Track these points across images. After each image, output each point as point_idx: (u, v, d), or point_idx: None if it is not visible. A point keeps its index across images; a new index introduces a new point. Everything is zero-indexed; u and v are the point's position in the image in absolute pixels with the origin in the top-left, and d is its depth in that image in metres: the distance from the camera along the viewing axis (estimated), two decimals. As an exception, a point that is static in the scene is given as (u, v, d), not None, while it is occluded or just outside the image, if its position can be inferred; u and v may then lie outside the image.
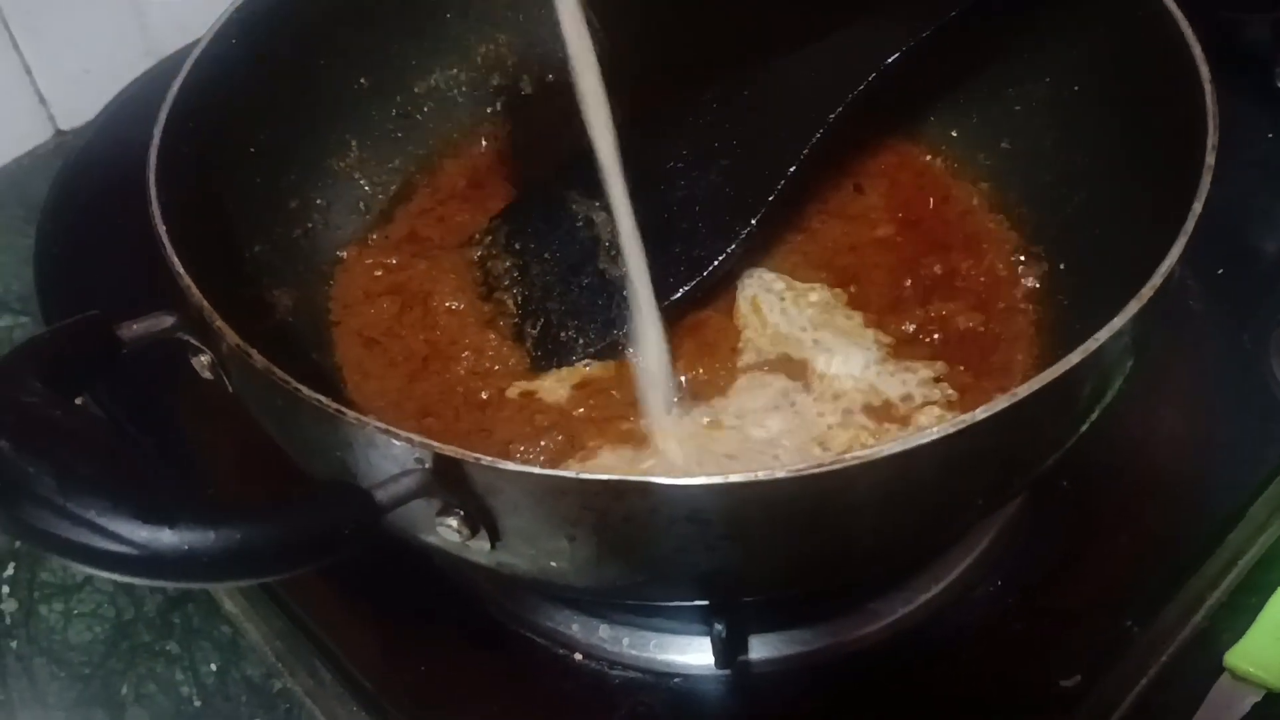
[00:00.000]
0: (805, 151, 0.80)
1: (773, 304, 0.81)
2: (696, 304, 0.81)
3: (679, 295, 0.80)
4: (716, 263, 0.80)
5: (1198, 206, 0.60)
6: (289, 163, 0.83)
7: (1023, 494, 0.78)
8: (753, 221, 0.80)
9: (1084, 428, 0.62)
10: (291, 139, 0.83)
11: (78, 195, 0.97)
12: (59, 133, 1.10)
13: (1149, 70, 0.72)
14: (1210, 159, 0.62)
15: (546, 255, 0.83)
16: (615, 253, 0.78)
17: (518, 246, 0.84)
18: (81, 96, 1.07)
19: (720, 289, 0.82)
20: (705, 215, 0.81)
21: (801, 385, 0.77)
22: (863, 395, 0.76)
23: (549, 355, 0.80)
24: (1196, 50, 0.67)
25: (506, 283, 0.83)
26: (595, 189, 0.74)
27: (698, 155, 0.83)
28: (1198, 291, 0.87)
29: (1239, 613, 0.78)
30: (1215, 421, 0.83)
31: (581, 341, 0.79)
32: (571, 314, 0.81)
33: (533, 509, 0.55)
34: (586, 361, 0.79)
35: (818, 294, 0.82)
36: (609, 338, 0.79)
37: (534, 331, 0.80)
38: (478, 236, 0.87)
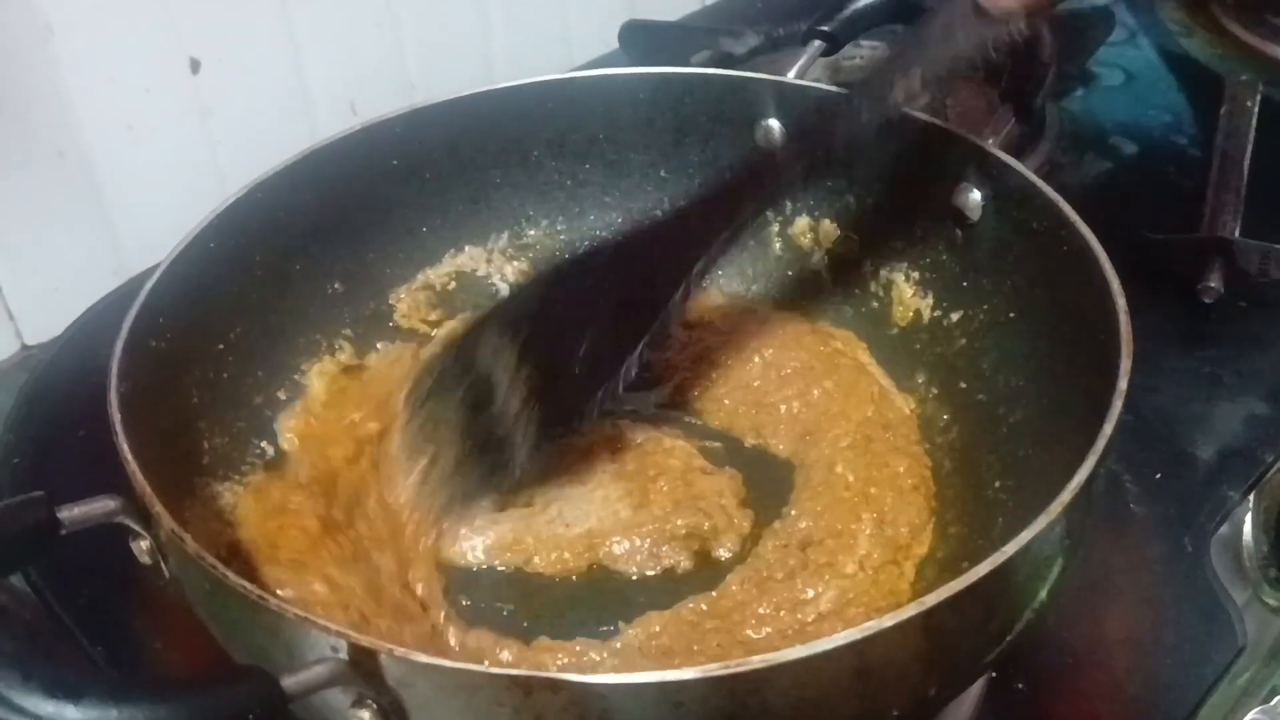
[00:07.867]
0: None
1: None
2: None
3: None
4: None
5: (1108, 427, 0.63)
6: (257, 360, 0.85)
7: (980, 693, 0.78)
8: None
9: (1002, 645, 0.62)
10: (262, 338, 0.85)
11: (42, 408, 0.95)
12: (25, 348, 1.06)
13: (1074, 296, 0.76)
14: (1123, 384, 0.65)
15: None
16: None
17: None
18: (49, 313, 1.03)
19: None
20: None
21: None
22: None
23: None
24: (1114, 285, 0.71)
25: None
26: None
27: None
28: (1138, 495, 0.88)
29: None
30: (1161, 622, 0.83)
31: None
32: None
33: (446, 703, 0.55)
34: None
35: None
36: None
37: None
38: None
